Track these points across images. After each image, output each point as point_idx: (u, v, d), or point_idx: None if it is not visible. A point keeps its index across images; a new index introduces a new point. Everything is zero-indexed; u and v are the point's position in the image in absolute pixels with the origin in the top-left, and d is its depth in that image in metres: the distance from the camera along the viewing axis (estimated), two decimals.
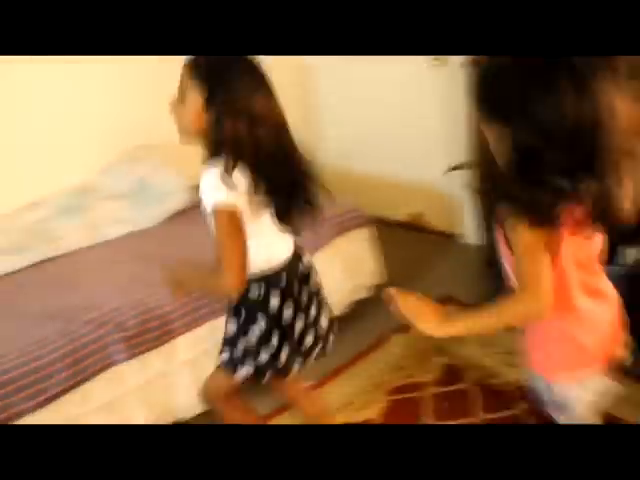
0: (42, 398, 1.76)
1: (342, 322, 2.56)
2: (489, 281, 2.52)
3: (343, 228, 2.56)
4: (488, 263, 2.51)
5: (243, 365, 1.57)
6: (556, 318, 1.21)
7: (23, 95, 2.42)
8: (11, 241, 2.29)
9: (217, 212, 1.36)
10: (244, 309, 1.55)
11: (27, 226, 2.36)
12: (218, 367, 1.64)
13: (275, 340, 1.55)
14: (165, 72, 2.97)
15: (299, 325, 1.58)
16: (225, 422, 1.75)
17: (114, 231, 2.55)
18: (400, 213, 3.64)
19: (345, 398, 2.26)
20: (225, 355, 1.61)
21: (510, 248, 1.18)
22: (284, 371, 1.61)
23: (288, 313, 1.56)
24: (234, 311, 1.58)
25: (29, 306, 2.01)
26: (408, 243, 3.45)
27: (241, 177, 1.36)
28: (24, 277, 2.25)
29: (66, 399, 1.82)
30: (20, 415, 1.73)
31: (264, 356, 1.55)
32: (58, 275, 2.22)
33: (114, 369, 1.90)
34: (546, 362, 1.32)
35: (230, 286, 1.40)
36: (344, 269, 2.58)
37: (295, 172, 1.46)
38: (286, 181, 1.44)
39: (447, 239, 3.35)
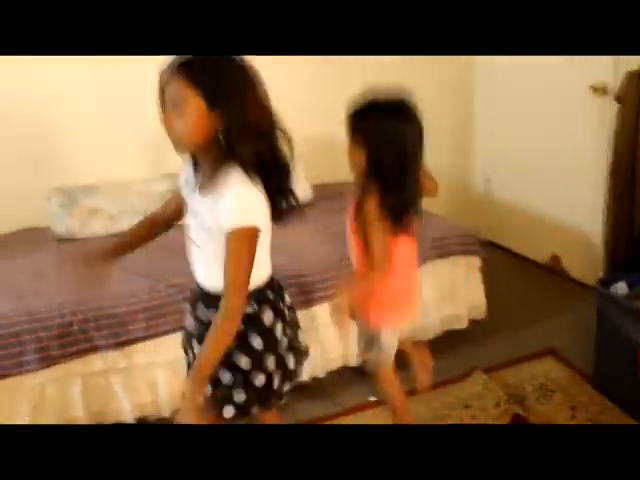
0: (116, 341, 2.01)
1: (430, 347, 2.52)
2: (603, 344, 2.30)
3: (447, 251, 2.49)
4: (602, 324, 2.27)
5: (230, 401, 1.42)
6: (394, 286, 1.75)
7: None
8: (146, 203, 2.61)
9: (244, 232, 1.28)
10: None
11: (157, 193, 2.68)
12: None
13: (271, 362, 1.42)
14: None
15: (284, 343, 1.47)
16: None
17: None
18: (533, 250, 3.44)
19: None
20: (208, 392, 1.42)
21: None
22: (271, 401, 1.50)
23: (279, 330, 1.45)
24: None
25: (133, 262, 2.28)
26: (532, 283, 3.24)
27: (262, 191, 1.31)
28: None
29: (138, 347, 2.05)
30: (96, 350, 2.00)
31: (257, 383, 1.41)
32: (167, 241, 2.49)
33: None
34: (369, 310, 1.79)
35: (238, 308, 1.31)
36: (439, 294, 2.50)
37: (286, 171, 1.38)
38: (282, 182, 1.37)
39: (579, 289, 3.06)
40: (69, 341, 1.98)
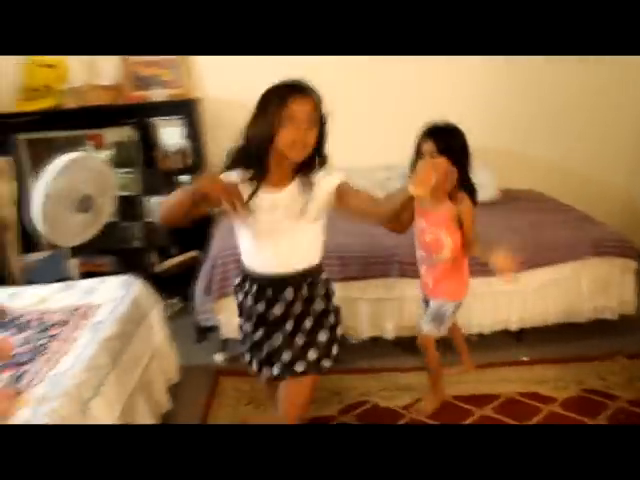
0: (343, 276, 2.79)
1: (582, 329, 3.03)
2: None
3: (602, 251, 2.94)
4: None
5: (329, 356, 1.79)
6: (459, 263, 2.29)
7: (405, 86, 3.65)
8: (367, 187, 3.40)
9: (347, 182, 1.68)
10: (317, 298, 1.77)
11: (377, 180, 3.48)
12: (298, 375, 1.75)
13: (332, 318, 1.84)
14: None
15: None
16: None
17: None
18: None
19: (545, 378, 2.70)
20: (313, 356, 1.75)
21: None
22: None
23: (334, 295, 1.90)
24: (305, 308, 1.76)
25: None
26: None
27: None
28: None
29: (352, 285, 2.84)
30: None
31: (339, 334, 1.84)
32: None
33: (388, 280, 2.85)
34: (447, 289, 2.31)
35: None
36: (594, 287, 2.97)
37: None
38: None
39: None
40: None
